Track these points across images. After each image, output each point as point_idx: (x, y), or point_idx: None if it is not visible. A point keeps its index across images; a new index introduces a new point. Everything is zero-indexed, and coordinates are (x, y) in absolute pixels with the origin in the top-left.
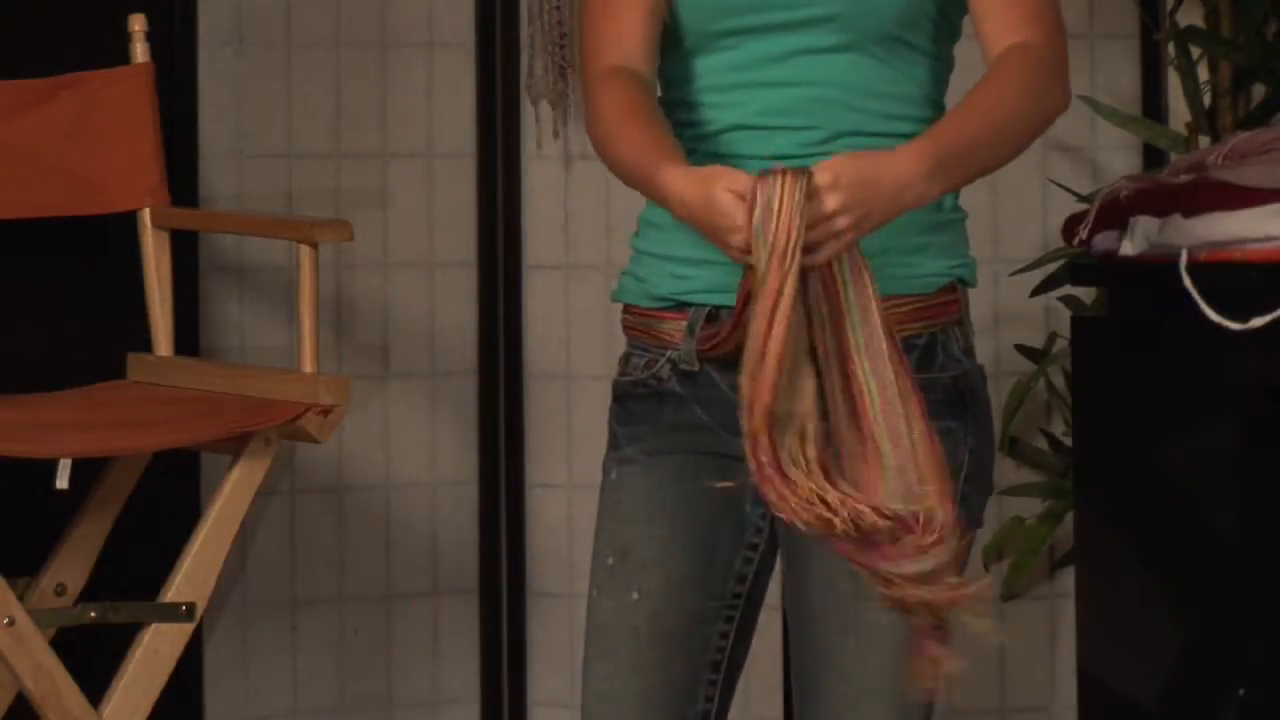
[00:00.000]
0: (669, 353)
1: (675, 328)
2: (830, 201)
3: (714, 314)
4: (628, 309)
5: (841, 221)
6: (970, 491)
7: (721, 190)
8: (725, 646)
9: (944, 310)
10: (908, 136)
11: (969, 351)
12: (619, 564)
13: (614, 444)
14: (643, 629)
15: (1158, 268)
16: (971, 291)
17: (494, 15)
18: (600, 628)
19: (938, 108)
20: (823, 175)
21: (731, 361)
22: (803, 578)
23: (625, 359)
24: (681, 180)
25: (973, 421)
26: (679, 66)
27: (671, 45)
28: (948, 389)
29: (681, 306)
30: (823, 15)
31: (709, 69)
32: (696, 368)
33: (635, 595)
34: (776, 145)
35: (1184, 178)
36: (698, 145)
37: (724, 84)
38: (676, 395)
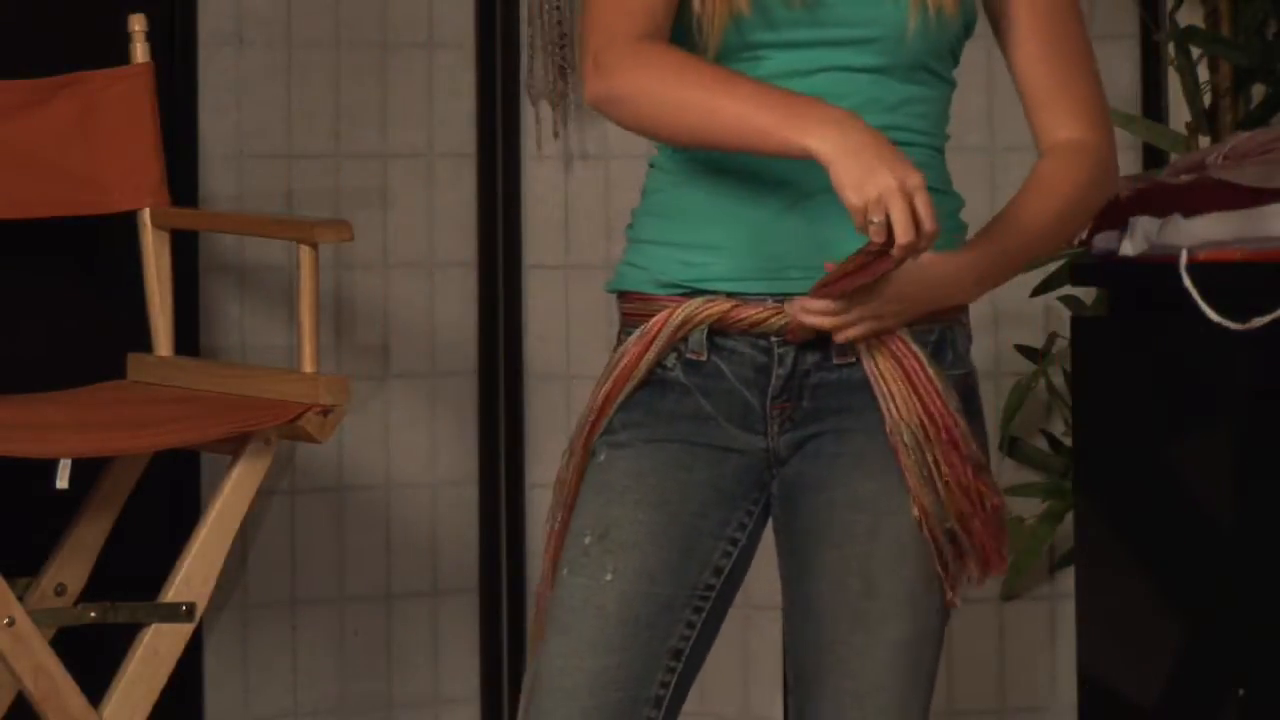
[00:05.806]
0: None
1: None
2: (887, 290)
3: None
4: (628, 297)
5: (889, 308)
6: None
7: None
8: (690, 636)
9: (952, 307)
10: (927, 149)
11: (969, 353)
12: (596, 543)
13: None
14: (610, 609)
15: (1158, 268)
16: None
17: (494, 15)
18: (564, 605)
19: (946, 123)
20: None
21: (740, 353)
22: (809, 575)
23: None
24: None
25: (976, 423)
26: None
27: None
28: (957, 387)
29: (691, 294)
30: (862, 38)
31: None
32: (704, 357)
33: (609, 575)
34: None
35: (1184, 178)
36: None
37: None
38: (680, 384)
